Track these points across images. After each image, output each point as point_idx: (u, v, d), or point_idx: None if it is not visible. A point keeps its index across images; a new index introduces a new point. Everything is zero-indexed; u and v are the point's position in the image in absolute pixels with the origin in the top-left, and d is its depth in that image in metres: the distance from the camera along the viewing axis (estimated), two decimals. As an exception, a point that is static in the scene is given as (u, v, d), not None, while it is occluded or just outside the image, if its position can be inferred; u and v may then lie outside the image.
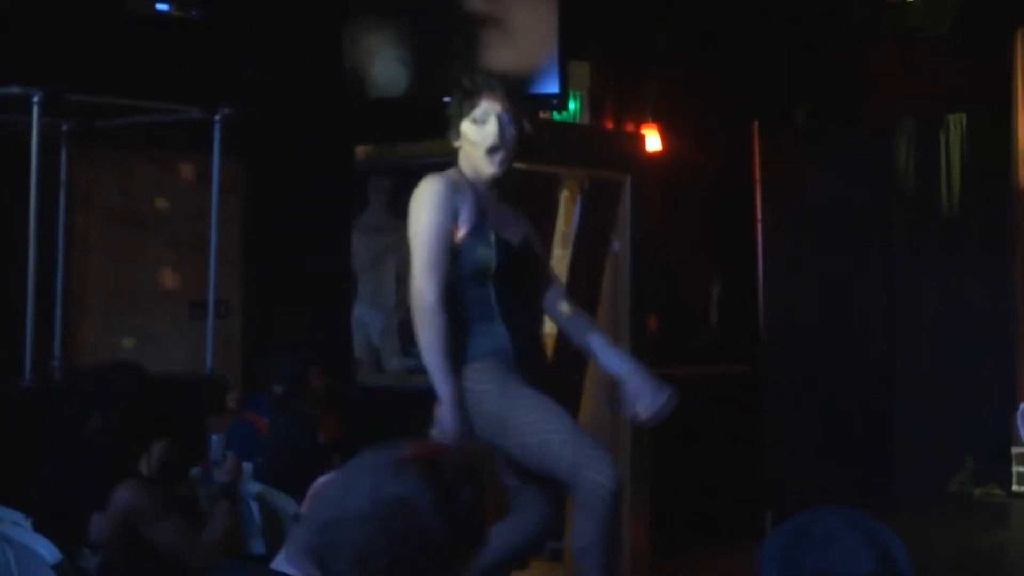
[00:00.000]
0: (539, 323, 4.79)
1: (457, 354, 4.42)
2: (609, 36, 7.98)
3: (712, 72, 8.49)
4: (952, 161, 8.87)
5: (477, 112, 4.51)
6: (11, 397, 5.56)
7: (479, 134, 4.50)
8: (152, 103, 6.20)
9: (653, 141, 8.08)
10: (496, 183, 4.57)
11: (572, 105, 7.42)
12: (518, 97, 4.68)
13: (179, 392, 5.65)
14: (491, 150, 4.49)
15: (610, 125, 8.02)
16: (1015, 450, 8.30)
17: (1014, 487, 8.30)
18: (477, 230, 4.42)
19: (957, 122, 8.85)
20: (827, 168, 8.89)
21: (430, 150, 6.82)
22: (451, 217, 4.41)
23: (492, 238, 4.42)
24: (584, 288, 7.57)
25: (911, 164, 8.85)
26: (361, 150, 7.17)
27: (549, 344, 7.56)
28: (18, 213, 5.66)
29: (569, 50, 6.95)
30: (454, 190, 4.45)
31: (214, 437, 5.38)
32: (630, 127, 8.08)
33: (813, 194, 8.90)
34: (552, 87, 6.84)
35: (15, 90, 5.64)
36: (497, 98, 4.53)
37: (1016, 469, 8.30)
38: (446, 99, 4.61)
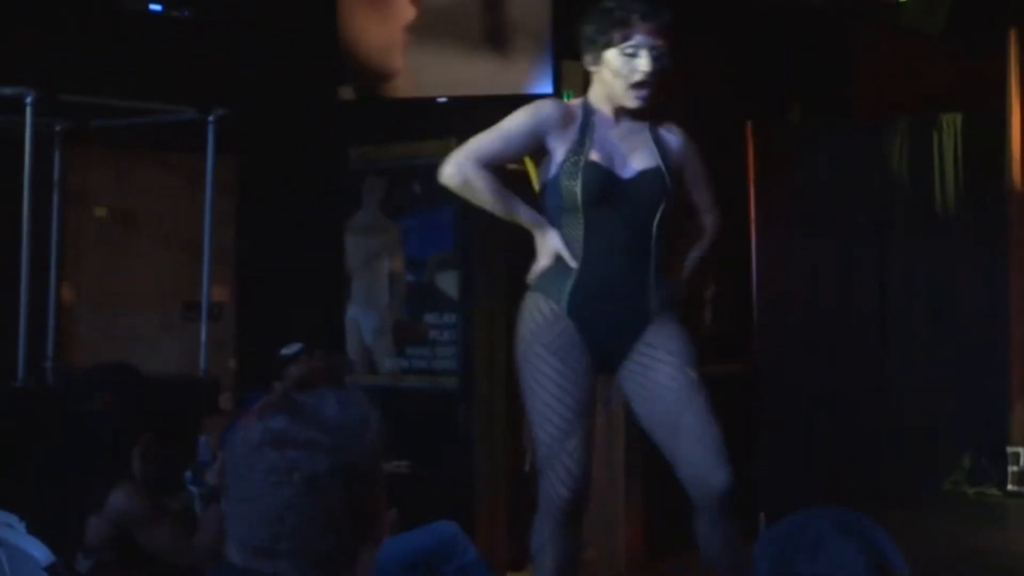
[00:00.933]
0: (646, 270, 4.28)
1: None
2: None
3: (706, 70, 8.48)
4: (946, 160, 8.86)
5: (628, 44, 4.21)
6: (4, 398, 5.55)
7: (627, 67, 4.22)
8: (146, 103, 6.20)
9: (647, 140, 8.06)
10: (639, 113, 4.30)
11: (566, 105, 7.40)
12: (670, 30, 4.33)
13: (172, 393, 5.64)
14: (637, 85, 4.23)
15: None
16: (1010, 449, 8.30)
17: (1010, 486, 8.29)
18: (571, 157, 4.20)
19: (951, 121, 8.84)
20: (821, 167, 8.89)
21: (424, 151, 6.83)
22: (539, 129, 4.20)
23: (582, 164, 4.17)
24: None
25: (905, 163, 8.84)
26: (355, 151, 7.16)
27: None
28: (11, 213, 5.65)
29: (562, 49, 6.94)
30: (562, 112, 4.24)
31: (202, 439, 5.36)
32: (624, 127, 8.07)
33: (807, 193, 8.90)
34: (545, 87, 6.83)
35: (8, 90, 5.64)
36: (652, 31, 4.23)
37: (1012, 468, 8.29)
38: (586, 25, 4.29)
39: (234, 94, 6.45)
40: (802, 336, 8.87)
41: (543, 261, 4.28)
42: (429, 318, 6.90)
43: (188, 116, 6.19)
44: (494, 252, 6.83)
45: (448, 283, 6.85)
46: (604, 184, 4.17)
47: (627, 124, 4.31)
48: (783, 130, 9.01)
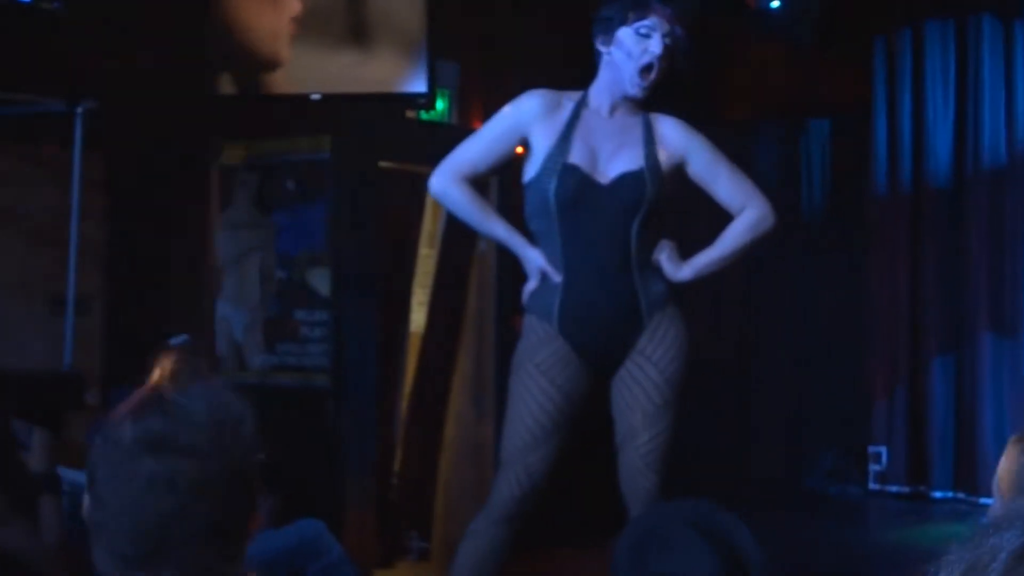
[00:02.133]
0: (630, 275, 4.27)
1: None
2: (478, 36, 7.99)
3: (580, 74, 8.52)
4: (812, 166, 9.01)
5: (644, 24, 4.23)
6: None
7: (638, 47, 4.23)
8: (12, 95, 6.10)
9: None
10: (635, 105, 4.29)
11: (440, 104, 7.42)
12: (685, 28, 4.38)
13: (35, 389, 5.55)
14: (646, 68, 4.23)
15: (478, 125, 8.03)
16: (872, 448, 8.46)
17: (871, 485, 8.45)
18: (552, 156, 4.17)
19: (819, 128, 9.00)
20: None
21: (297, 147, 6.80)
22: (521, 123, 4.20)
23: (559, 166, 4.14)
24: (451, 287, 7.58)
25: (773, 169, 8.98)
26: (227, 146, 7.11)
27: (413, 346, 7.58)
28: None
29: (437, 49, 6.95)
30: (546, 103, 4.24)
31: (15, 422, 5.24)
32: (498, 127, 8.09)
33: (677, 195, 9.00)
34: (420, 86, 6.83)
35: None
36: (667, 18, 4.27)
37: (873, 467, 8.45)
38: (604, 5, 4.28)
39: (103, 87, 6.38)
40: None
41: (532, 282, 4.28)
42: (300, 315, 6.87)
43: (56, 108, 6.10)
44: (366, 250, 6.83)
45: (320, 280, 6.83)
46: (579, 190, 4.15)
47: (621, 119, 4.31)
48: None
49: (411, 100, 7.03)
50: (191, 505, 1.75)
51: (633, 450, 4.29)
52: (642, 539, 2.17)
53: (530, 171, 4.23)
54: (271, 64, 6.86)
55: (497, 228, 4.29)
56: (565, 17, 8.38)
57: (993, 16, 8.22)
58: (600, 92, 4.30)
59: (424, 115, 7.37)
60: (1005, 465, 2.51)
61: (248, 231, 7.06)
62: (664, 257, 4.35)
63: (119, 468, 1.77)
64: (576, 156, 4.16)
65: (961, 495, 8.10)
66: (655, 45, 4.22)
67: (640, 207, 4.22)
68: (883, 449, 8.43)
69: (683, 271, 4.41)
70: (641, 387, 4.27)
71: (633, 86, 4.24)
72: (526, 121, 4.23)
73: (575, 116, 4.24)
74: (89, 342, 6.62)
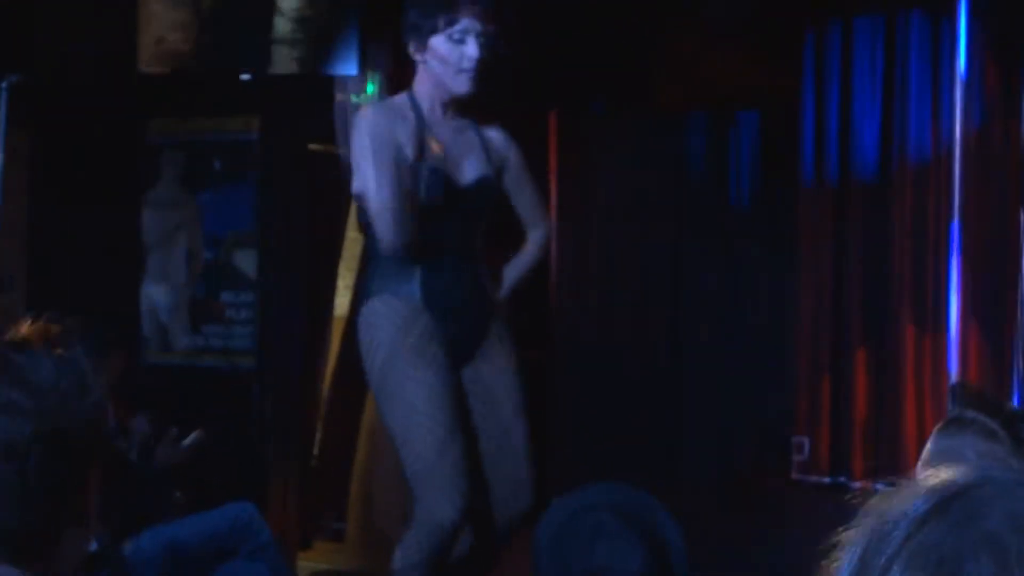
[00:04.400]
0: (478, 275, 4.27)
1: (363, 288, 4.16)
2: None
3: (510, 63, 8.51)
4: (742, 158, 9.06)
5: (455, 28, 4.07)
6: None
7: (454, 53, 4.09)
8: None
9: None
10: (464, 103, 4.20)
11: (369, 87, 7.38)
12: (500, 14, 4.25)
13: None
14: (466, 71, 4.11)
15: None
16: (795, 439, 8.52)
17: (794, 475, 8.51)
18: (413, 164, 4.04)
19: (748, 120, 9.04)
20: (621, 159, 9.01)
21: (226, 126, 6.75)
22: (391, 140, 3.99)
23: (424, 173, 4.02)
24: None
25: (702, 159, 9.01)
26: (154, 124, 7.05)
27: (337, 330, 7.55)
28: None
29: (368, 31, 6.92)
30: (391, 116, 4.07)
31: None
32: (428, 112, 8.07)
33: (607, 185, 9.02)
34: (350, 68, 6.80)
35: None
36: (479, 15, 4.11)
37: (796, 457, 8.51)
38: (410, 9, 4.15)
39: (30, 62, 6.30)
40: (598, 326, 8.99)
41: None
42: (226, 296, 6.83)
43: (-20, 82, 6.02)
44: (293, 231, 6.79)
45: (246, 261, 6.78)
46: (444, 191, 4.07)
47: (454, 122, 4.23)
48: (586, 122, 9.10)
49: (341, 82, 7.00)
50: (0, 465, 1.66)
51: (509, 441, 4.24)
52: (566, 530, 2.15)
53: None
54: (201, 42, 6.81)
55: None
56: (494, 4, 8.37)
57: (923, 12, 8.28)
58: (426, 95, 4.18)
59: (355, 98, 7.34)
60: (928, 452, 2.54)
61: (174, 210, 7.00)
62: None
63: None
64: (434, 159, 4.10)
65: (881, 486, 8.18)
66: (471, 49, 4.09)
67: (489, 209, 4.26)
68: (805, 440, 8.49)
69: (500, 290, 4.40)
70: (506, 379, 4.24)
71: (459, 84, 4.15)
72: (394, 137, 4.07)
73: (420, 120, 4.15)
74: (10, 320, 6.54)
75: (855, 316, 8.49)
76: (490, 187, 4.26)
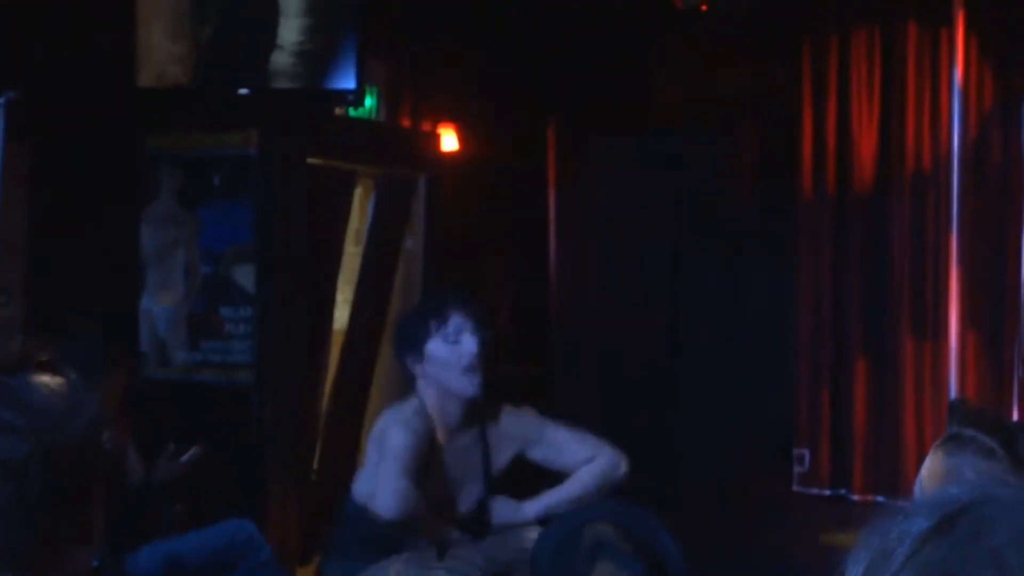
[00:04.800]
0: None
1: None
2: (408, 34, 7.97)
3: (509, 72, 8.54)
4: (742, 166, 9.06)
5: (449, 329, 4.04)
6: None
7: (453, 354, 4.03)
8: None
9: (449, 140, 8.10)
10: (474, 409, 4.14)
11: (368, 101, 7.39)
12: (483, 308, 4.21)
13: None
14: (469, 369, 4.04)
15: (406, 123, 8.01)
16: (796, 451, 8.52)
17: (795, 487, 8.51)
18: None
19: (748, 128, 9.04)
20: (620, 170, 9.02)
21: (224, 142, 6.75)
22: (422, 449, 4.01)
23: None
24: (376, 284, 7.56)
25: (702, 168, 9.02)
26: (153, 139, 7.05)
27: (336, 344, 7.56)
28: None
29: (367, 46, 6.92)
30: (418, 441, 4.03)
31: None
32: (427, 126, 8.09)
33: (605, 196, 9.04)
34: (348, 82, 6.80)
35: None
36: (469, 312, 4.08)
37: (797, 469, 8.51)
38: (401, 330, 4.17)
39: (28, 78, 6.30)
40: (597, 339, 8.99)
41: None
42: (225, 311, 6.82)
43: (-21, 98, 6.02)
44: (292, 245, 6.79)
45: (245, 276, 6.78)
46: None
47: (462, 441, 4.20)
48: (583, 133, 9.11)
49: (340, 96, 7.00)
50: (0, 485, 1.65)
51: None
52: (566, 546, 2.15)
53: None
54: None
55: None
56: (492, 15, 8.39)
57: (920, 22, 8.30)
58: (437, 400, 4.11)
59: (352, 112, 7.35)
60: (928, 469, 2.54)
61: (172, 226, 7.00)
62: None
63: None
64: (445, 484, 4.13)
65: (881, 498, 8.17)
66: (469, 344, 4.04)
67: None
68: (806, 452, 8.49)
69: (528, 509, 4.32)
70: None
71: (464, 387, 4.07)
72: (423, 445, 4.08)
73: (431, 439, 4.13)
74: (10, 334, 6.54)
75: (854, 326, 8.50)
76: (483, 510, 4.23)
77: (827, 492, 8.43)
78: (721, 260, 8.98)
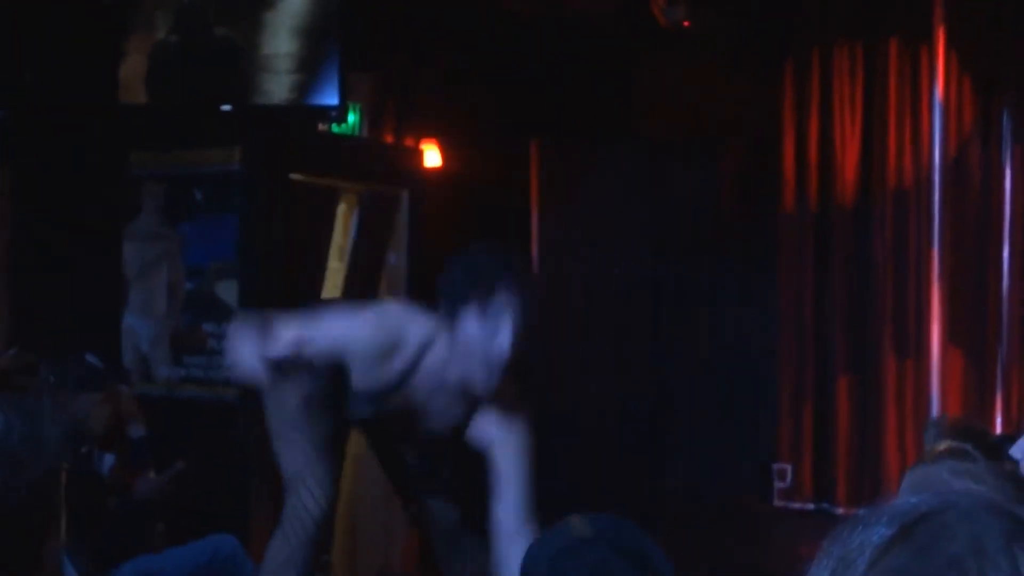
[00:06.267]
0: None
1: None
2: (390, 50, 7.98)
3: (492, 89, 8.55)
4: (725, 183, 9.08)
5: (490, 307, 3.77)
6: None
7: (484, 336, 3.83)
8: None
9: (432, 156, 8.11)
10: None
11: (351, 117, 7.40)
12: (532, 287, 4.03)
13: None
14: (493, 364, 3.85)
15: (389, 139, 8.02)
16: (777, 466, 8.53)
17: (776, 502, 8.52)
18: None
19: (731, 145, 9.07)
20: (603, 187, 9.03)
21: (206, 157, 6.75)
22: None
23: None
24: (359, 302, 7.55)
25: (685, 186, 9.03)
26: (135, 156, 7.05)
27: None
28: None
29: (350, 62, 6.93)
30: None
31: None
32: (410, 142, 8.10)
33: (588, 213, 9.04)
34: (331, 99, 6.81)
35: None
36: (515, 292, 3.86)
37: (779, 484, 8.52)
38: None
39: (11, 96, 6.30)
40: (580, 353, 8.99)
41: None
42: (208, 327, 6.82)
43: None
44: (275, 262, 6.79)
45: (228, 292, 6.78)
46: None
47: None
48: (567, 150, 9.13)
49: (322, 112, 7.01)
50: None
51: None
52: (558, 563, 2.15)
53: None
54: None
55: None
56: (475, 32, 8.40)
57: (901, 39, 8.33)
58: (444, 361, 3.89)
59: (335, 127, 7.35)
60: (907, 481, 2.55)
61: (155, 242, 7.00)
62: None
63: None
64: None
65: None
66: (504, 337, 3.74)
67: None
68: (788, 467, 8.51)
69: None
70: None
71: (480, 378, 3.81)
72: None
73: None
74: (-8, 352, 6.53)
75: (837, 342, 8.51)
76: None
77: (810, 506, 8.44)
78: (704, 277, 9.00)
